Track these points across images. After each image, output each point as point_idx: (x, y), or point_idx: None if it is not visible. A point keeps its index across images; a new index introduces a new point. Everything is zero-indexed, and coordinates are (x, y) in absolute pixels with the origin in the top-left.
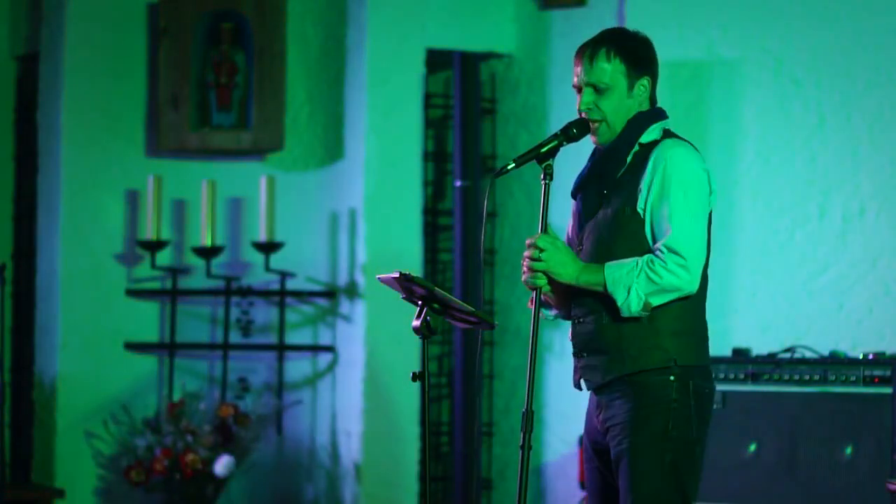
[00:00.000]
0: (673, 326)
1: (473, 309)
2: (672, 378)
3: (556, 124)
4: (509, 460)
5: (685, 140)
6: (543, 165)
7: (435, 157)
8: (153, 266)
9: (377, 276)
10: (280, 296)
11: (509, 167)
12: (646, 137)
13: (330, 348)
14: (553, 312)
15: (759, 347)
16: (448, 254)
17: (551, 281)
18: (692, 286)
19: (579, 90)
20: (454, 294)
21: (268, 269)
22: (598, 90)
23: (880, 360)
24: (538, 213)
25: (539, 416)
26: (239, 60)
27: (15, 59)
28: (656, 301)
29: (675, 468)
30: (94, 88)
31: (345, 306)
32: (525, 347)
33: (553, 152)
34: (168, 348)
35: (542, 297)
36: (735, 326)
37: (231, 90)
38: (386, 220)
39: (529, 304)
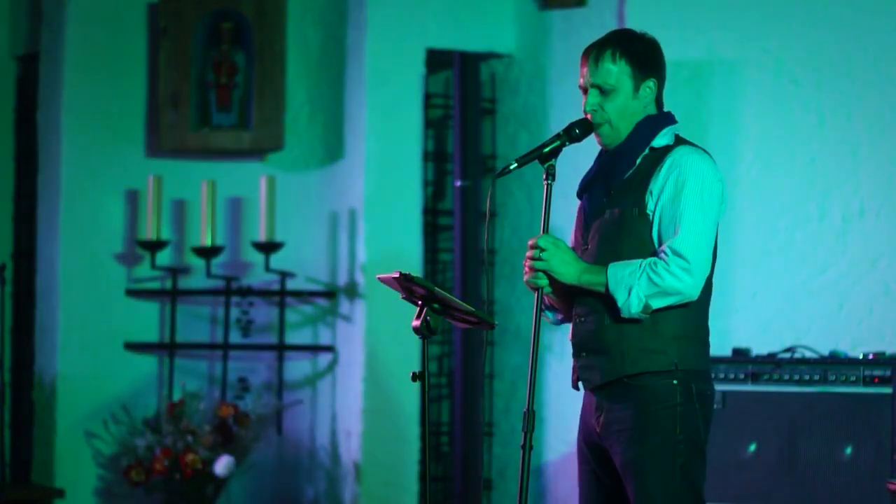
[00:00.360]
0: (675, 330)
1: (473, 309)
2: (675, 382)
3: (556, 124)
4: (509, 460)
5: (701, 148)
6: (546, 165)
7: (435, 157)
8: (153, 266)
9: (377, 276)
10: (280, 296)
11: (511, 167)
12: (657, 142)
13: (330, 348)
14: (559, 317)
15: (759, 347)
16: (448, 254)
17: (553, 281)
18: (694, 291)
19: (585, 91)
20: (454, 294)
21: (268, 269)
22: (604, 91)
23: (880, 360)
24: (538, 213)
25: (539, 415)
26: (239, 60)
27: (15, 59)
28: (657, 304)
29: (687, 471)
30: (94, 88)
31: (345, 306)
32: (525, 347)
33: (555, 152)
34: (168, 348)
35: (546, 300)
36: (735, 326)
37: (231, 90)
38: (386, 220)
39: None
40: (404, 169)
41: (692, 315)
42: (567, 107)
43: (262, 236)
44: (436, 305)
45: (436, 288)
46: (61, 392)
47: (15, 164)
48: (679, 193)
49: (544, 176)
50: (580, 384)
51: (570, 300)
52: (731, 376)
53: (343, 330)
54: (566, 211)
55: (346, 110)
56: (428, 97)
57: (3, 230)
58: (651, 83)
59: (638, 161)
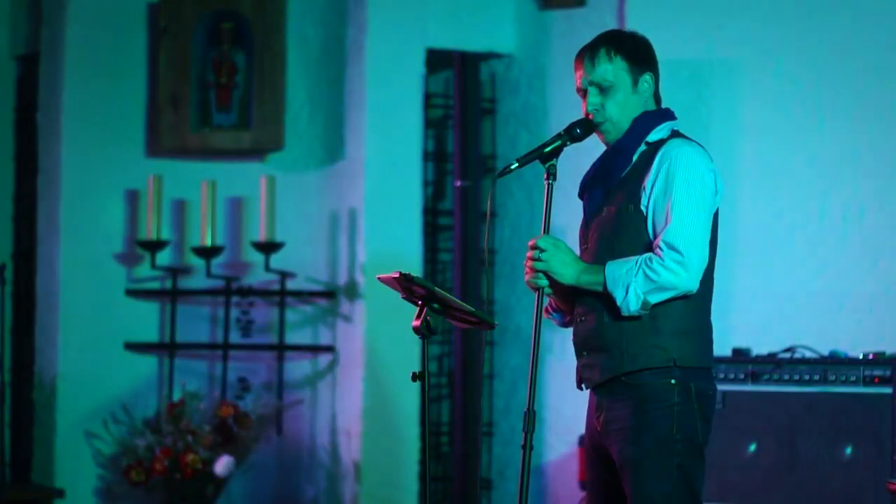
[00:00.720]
0: (675, 326)
1: (473, 309)
2: (673, 381)
3: (556, 124)
4: (509, 460)
5: (693, 140)
6: (547, 165)
7: (435, 157)
8: (153, 266)
9: (377, 276)
10: (280, 296)
11: (512, 167)
12: (653, 136)
13: (330, 348)
14: (566, 319)
15: (759, 347)
16: (448, 254)
17: (553, 282)
18: (691, 284)
19: (584, 93)
20: (454, 294)
21: (268, 269)
22: (603, 89)
23: (880, 360)
24: (539, 213)
25: (539, 415)
26: (239, 60)
27: (15, 59)
28: (655, 299)
29: (684, 471)
30: (94, 88)
31: (345, 306)
32: (525, 347)
33: (557, 152)
34: (168, 348)
35: (552, 302)
36: (735, 326)
37: (231, 90)
38: (386, 220)
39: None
40: (404, 169)
41: (692, 310)
42: (567, 107)
43: (262, 236)
44: (436, 305)
45: (436, 288)
46: (61, 392)
47: (15, 164)
48: (669, 185)
49: (545, 176)
50: (583, 385)
51: (571, 300)
52: (731, 376)
53: (343, 330)
54: (567, 211)
55: (346, 110)
56: (428, 97)
57: (3, 230)
58: (648, 77)
59: (635, 157)
